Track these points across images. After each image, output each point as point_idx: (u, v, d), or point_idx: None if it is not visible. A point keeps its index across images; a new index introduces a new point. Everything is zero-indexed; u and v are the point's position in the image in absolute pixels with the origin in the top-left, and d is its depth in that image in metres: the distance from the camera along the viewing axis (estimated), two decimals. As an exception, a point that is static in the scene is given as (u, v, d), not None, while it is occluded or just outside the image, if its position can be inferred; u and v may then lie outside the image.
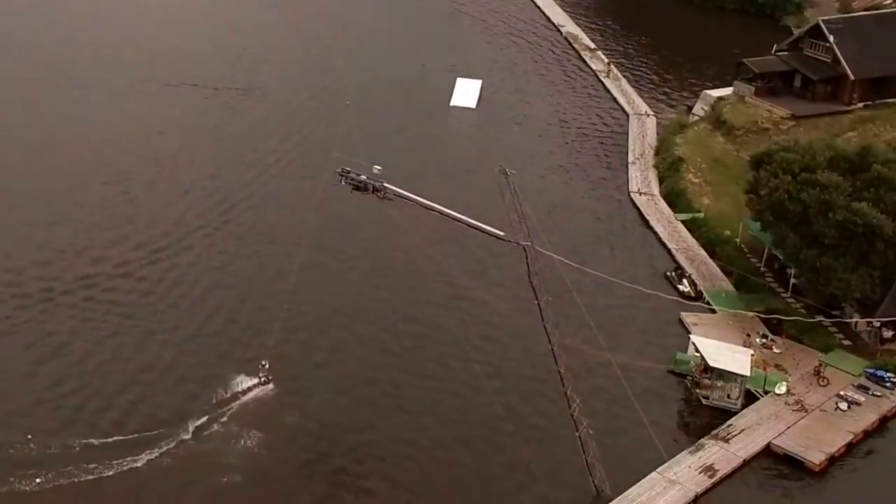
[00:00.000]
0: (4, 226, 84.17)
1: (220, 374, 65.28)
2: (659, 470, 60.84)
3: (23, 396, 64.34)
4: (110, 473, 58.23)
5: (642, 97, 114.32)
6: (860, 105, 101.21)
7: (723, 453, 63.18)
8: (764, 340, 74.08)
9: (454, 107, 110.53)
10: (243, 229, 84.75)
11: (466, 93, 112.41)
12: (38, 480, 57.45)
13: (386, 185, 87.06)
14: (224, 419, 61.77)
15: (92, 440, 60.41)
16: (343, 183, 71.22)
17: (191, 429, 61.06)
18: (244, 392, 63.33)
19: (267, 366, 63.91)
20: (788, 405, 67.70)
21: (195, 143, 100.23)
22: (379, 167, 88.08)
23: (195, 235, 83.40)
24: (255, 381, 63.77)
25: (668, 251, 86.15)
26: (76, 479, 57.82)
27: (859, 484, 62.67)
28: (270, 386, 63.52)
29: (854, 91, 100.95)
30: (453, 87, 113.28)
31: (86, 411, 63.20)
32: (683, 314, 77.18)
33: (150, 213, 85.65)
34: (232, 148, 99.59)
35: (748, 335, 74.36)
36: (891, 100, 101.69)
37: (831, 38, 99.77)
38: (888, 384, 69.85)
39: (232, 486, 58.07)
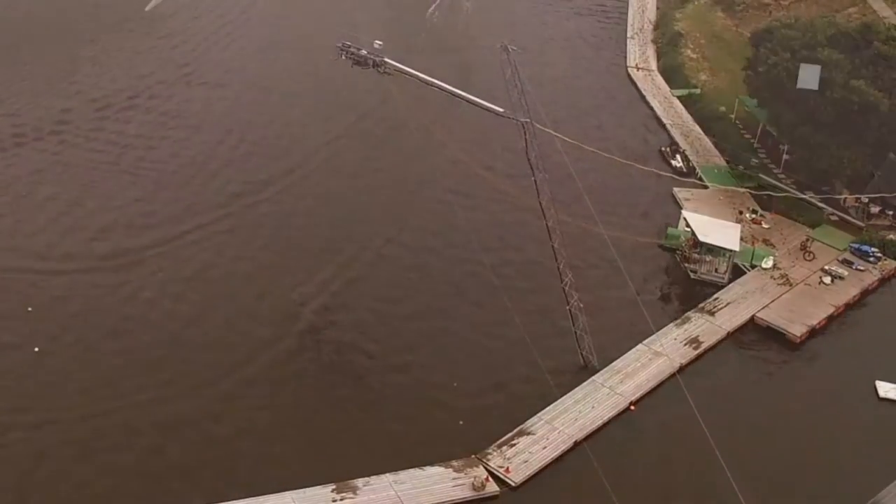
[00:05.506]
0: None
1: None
2: (645, 342, 63.10)
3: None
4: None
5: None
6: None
7: (708, 326, 65.61)
8: (753, 216, 75.90)
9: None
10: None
11: None
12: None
13: (387, 60, 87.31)
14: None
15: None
16: (343, 57, 70.86)
17: None
18: None
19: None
20: (774, 279, 69.95)
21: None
22: (380, 42, 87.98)
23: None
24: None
25: (664, 127, 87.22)
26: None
27: (835, 354, 65.16)
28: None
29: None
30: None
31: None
32: (676, 189, 78.77)
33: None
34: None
35: (740, 212, 76.13)
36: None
37: None
38: (872, 258, 72.07)
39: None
